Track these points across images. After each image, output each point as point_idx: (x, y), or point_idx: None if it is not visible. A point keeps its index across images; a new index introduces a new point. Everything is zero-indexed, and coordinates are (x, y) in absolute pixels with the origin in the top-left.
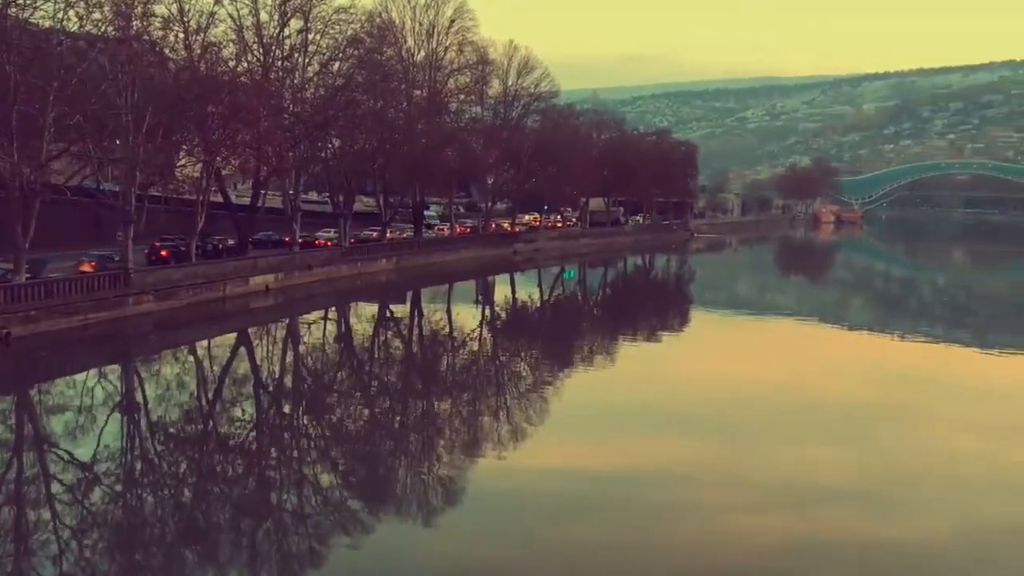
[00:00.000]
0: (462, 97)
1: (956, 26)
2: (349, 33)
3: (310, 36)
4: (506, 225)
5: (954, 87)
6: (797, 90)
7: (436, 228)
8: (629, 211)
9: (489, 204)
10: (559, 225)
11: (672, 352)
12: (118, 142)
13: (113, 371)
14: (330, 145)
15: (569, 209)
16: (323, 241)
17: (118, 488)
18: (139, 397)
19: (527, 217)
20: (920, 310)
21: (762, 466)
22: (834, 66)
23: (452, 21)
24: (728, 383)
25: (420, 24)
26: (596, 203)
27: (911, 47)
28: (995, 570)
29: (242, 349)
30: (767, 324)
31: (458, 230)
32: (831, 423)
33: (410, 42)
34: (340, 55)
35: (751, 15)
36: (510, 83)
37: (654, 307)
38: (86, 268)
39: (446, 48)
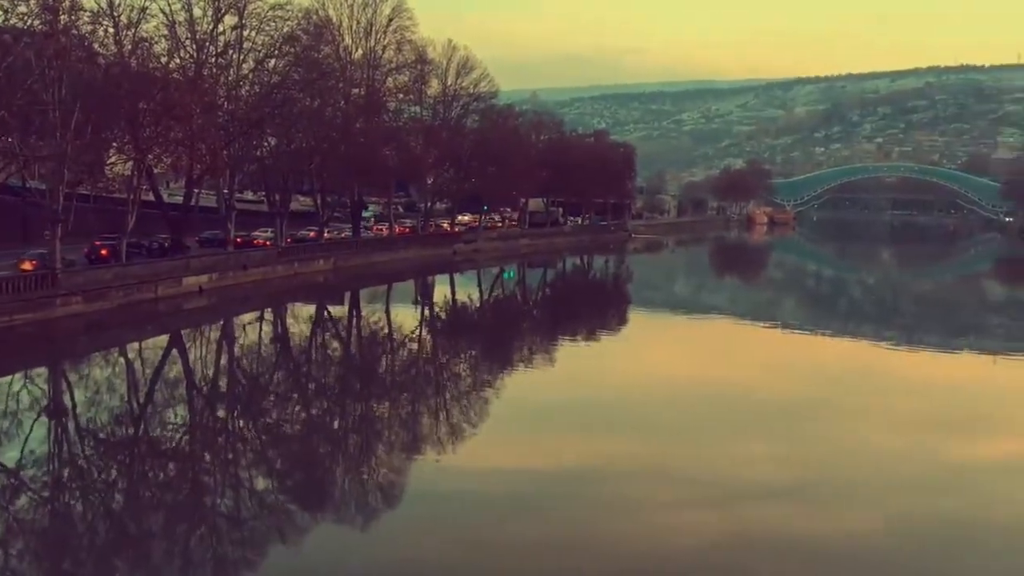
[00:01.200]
0: (401, 96)
1: (883, 33)
2: (285, 30)
3: (245, 33)
4: (445, 225)
5: (882, 92)
6: (731, 94)
7: (375, 228)
8: (568, 212)
9: (428, 204)
10: (499, 225)
11: (611, 351)
12: (41, 140)
13: (40, 374)
14: (266, 143)
15: (508, 209)
16: (261, 240)
17: (45, 494)
18: (67, 401)
19: (466, 217)
20: (850, 310)
21: (700, 462)
22: (766, 70)
23: (390, 20)
24: (665, 381)
25: (357, 22)
26: (535, 203)
27: (840, 52)
28: (923, 563)
29: (175, 351)
30: (703, 323)
31: (397, 230)
32: (766, 420)
33: (347, 40)
34: (276, 52)
35: (686, 20)
36: (449, 83)
37: (593, 307)
38: (27, 266)
39: (384, 47)
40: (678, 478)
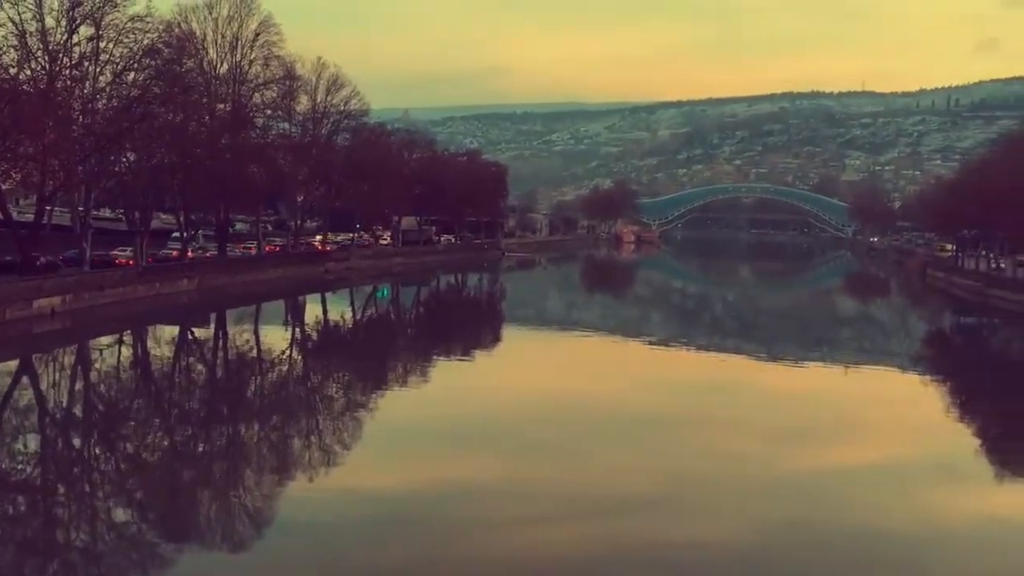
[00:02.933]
0: (269, 112)
1: (740, 59)
2: (145, 43)
3: (102, 44)
4: (316, 243)
5: (739, 116)
6: (599, 116)
7: (241, 246)
8: (441, 230)
9: (298, 222)
10: (373, 243)
11: (483, 369)
12: None
13: None
14: (125, 159)
15: (380, 228)
16: (123, 260)
17: None
18: None
19: (318, 236)
20: (712, 324)
21: (568, 477)
22: (632, 94)
23: (257, 34)
24: (539, 398)
25: (222, 36)
26: (408, 222)
27: (701, 77)
28: (780, 565)
29: (25, 378)
30: (575, 340)
31: (267, 248)
32: (632, 433)
33: (212, 54)
34: (135, 65)
35: (554, 42)
36: (319, 100)
37: (467, 325)
38: None
39: (251, 62)
40: (552, 493)
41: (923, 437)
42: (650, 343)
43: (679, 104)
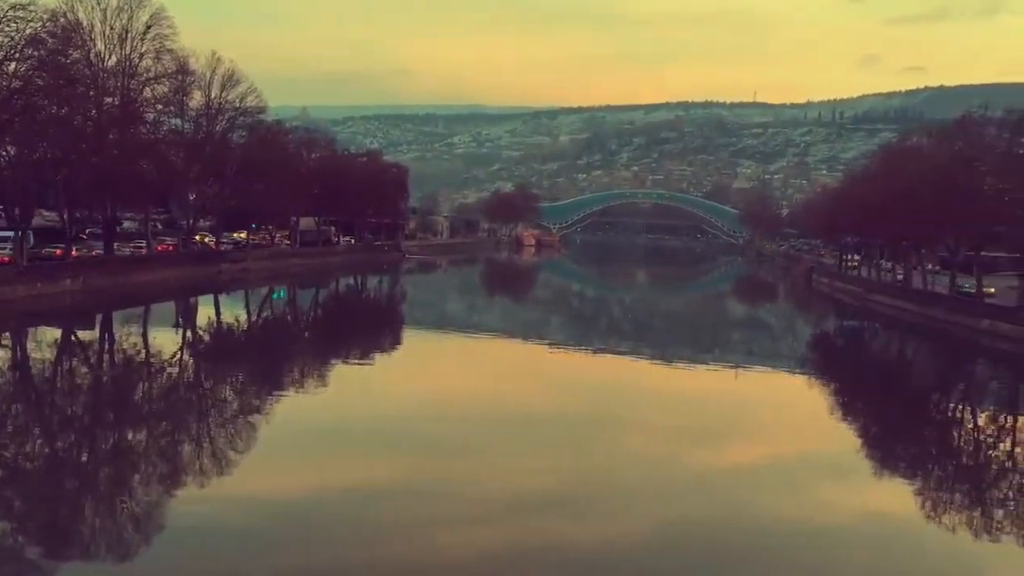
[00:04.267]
0: (160, 108)
1: (639, 68)
2: (28, 32)
3: None
4: (210, 242)
5: (637, 123)
6: (501, 119)
7: (130, 245)
8: (341, 231)
9: (191, 221)
10: (272, 243)
11: (385, 371)
12: None
13: None
14: (4, 152)
15: (276, 228)
16: (3, 257)
17: None
18: None
19: (208, 237)
20: (610, 327)
21: (476, 479)
22: (533, 99)
23: (148, 27)
24: (440, 399)
25: (111, 27)
26: (307, 222)
27: (600, 85)
28: (675, 564)
29: None
30: (477, 342)
31: (158, 248)
32: (539, 434)
33: (100, 46)
34: (17, 55)
35: (453, 45)
36: (213, 95)
37: (367, 327)
38: None
39: (141, 55)
40: (456, 495)
41: (809, 436)
42: (550, 346)
43: (580, 110)
